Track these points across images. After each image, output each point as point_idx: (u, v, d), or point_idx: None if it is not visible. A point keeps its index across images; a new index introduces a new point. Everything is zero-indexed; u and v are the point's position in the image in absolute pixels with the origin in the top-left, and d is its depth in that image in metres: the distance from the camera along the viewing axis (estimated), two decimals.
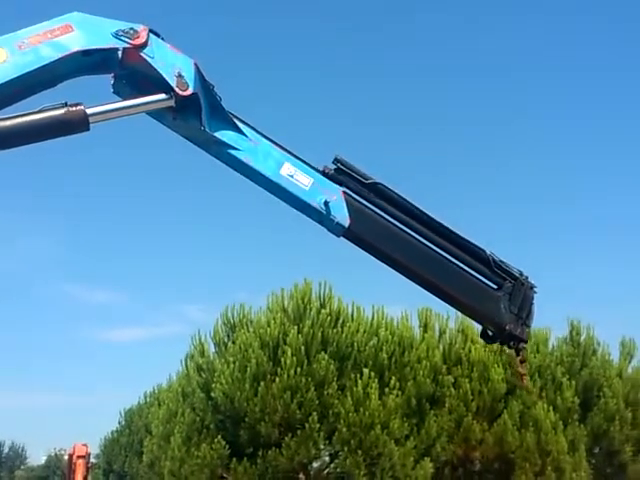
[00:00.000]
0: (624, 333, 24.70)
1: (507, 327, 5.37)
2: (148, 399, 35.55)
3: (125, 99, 4.30)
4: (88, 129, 4.03)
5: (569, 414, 20.96)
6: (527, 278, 5.50)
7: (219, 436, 18.97)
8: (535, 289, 5.53)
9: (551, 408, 20.39)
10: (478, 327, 5.88)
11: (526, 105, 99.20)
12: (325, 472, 19.65)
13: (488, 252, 5.32)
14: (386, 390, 18.79)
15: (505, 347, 5.62)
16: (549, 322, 23.08)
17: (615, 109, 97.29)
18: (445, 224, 5.16)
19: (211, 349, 21.02)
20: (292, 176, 4.63)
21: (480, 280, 5.23)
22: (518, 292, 5.43)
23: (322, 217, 4.71)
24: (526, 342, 5.58)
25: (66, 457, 40.09)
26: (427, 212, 5.09)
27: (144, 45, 4.13)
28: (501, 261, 5.37)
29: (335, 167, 4.89)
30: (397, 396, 18.80)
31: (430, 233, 5.08)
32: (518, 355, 5.60)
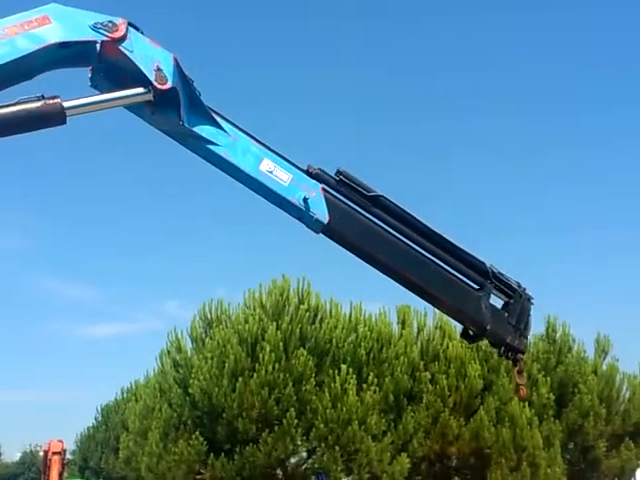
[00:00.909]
0: (599, 330, 25.04)
1: (507, 340, 5.44)
2: (125, 395, 35.37)
3: (103, 93, 4.25)
4: (65, 122, 3.97)
5: (544, 410, 21.19)
6: (525, 290, 5.56)
7: (196, 432, 18.92)
8: (532, 300, 5.61)
9: (527, 404, 20.58)
10: (456, 324, 5.92)
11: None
12: (302, 468, 19.68)
13: (488, 265, 5.37)
14: (364, 386, 18.85)
15: (484, 345, 5.68)
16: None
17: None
18: (447, 237, 5.20)
19: (188, 345, 20.97)
20: (271, 172, 4.60)
21: (461, 280, 5.25)
22: (517, 304, 5.50)
23: (301, 213, 4.69)
24: (524, 353, 5.64)
25: (41, 453, 39.77)
26: (429, 225, 5.13)
27: (123, 38, 4.07)
28: (500, 273, 5.41)
29: (338, 179, 4.86)
30: (375, 392, 18.87)
31: (431, 245, 5.11)
32: (516, 366, 5.66)
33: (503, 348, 5.54)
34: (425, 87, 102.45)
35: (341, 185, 4.84)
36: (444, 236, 5.18)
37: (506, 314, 5.48)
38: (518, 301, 5.50)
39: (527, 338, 5.62)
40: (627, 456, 23.38)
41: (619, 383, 24.13)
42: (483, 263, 5.34)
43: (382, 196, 4.96)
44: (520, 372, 5.70)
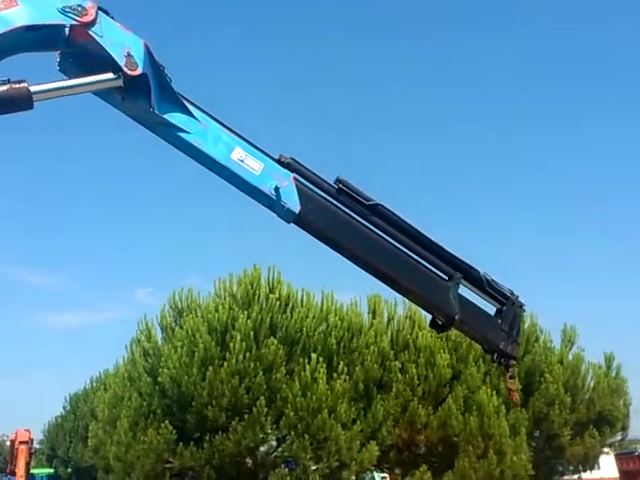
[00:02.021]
0: (565, 321, 25.42)
1: (501, 346, 5.56)
2: (94, 384, 35.10)
3: (71, 78, 4.17)
4: (32, 107, 3.90)
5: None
6: (517, 297, 5.68)
7: (166, 421, 18.84)
8: (524, 307, 5.74)
9: (494, 393, 20.84)
10: (426, 314, 5.96)
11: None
12: (272, 456, 19.72)
13: (482, 272, 5.46)
14: (334, 375, 18.93)
15: (454, 334, 5.76)
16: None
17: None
18: (443, 246, 5.27)
19: (158, 334, 20.87)
20: (242, 161, 4.57)
21: (430, 271, 5.29)
22: (509, 311, 5.63)
23: (272, 203, 4.67)
24: (516, 359, 5.78)
25: (8, 443, 39.37)
26: (426, 234, 5.20)
27: (92, 23, 4.00)
28: (493, 280, 5.52)
29: (337, 187, 4.90)
30: (345, 381, 18.96)
31: (427, 253, 5.19)
32: (508, 372, 5.78)
33: (496, 354, 5.67)
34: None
35: (340, 193, 4.88)
36: (441, 245, 5.26)
37: (499, 321, 5.60)
38: (511, 308, 5.63)
39: (519, 344, 5.77)
40: (591, 443, 23.80)
41: (584, 372, 24.53)
42: (477, 271, 5.45)
43: (381, 205, 5.01)
44: (512, 378, 5.86)
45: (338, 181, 4.91)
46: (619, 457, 32.05)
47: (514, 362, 5.77)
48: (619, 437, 26.89)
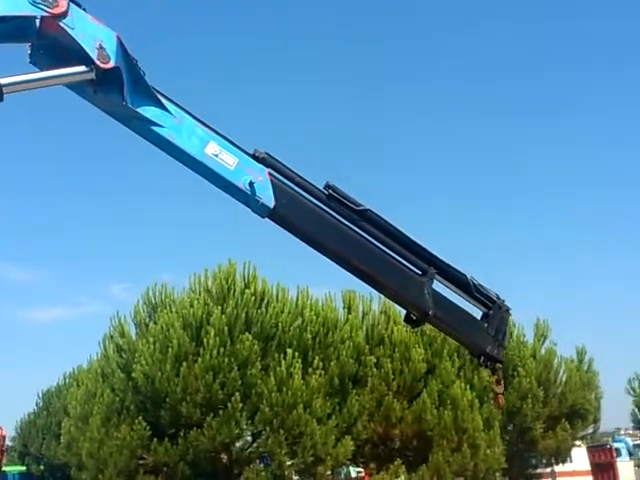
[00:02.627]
0: (538, 315, 25.66)
1: (487, 350, 5.63)
2: (67, 380, 34.74)
3: (43, 70, 4.11)
4: (1, 100, 3.84)
5: (485, 392, 21.63)
6: (504, 301, 5.74)
7: (139, 417, 18.73)
8: (510, 311, 5.81)
9: (468, 387, 21.02)
10: (401, 309, 5.97)
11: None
12: (247, 452, 19.70)
13: (469, 277, 5.51)
14: (309, 370, 18.94)
15: (428, 329, 5.80)
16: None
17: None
18: (431, 250, 5.31)
19: (132, 330, 20.72)
20: (217, 155, 4.53)
21: (404, 266, 5.29)
22: (496, 315, 5.68)
23: (247, 198, 4.64)
24: (502, 363, 5.83)
25: None
26: (414, 239, 5.23)
27: (63, 15, 3.93)
28: (480, 285, 5.58)
29: (327, 193, 4.91)
30: (320, 376, 18.98)
31: (414, 257, 5.22)
32: (494, 375, 5.85)
33: (483, 358, 5.73)
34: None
35: (330, 199, 4.89)
36: (428, 249, 5.31)
37: (485, 324, 5.66)
38: (497, 312, 5.70)
39: (505, 348, 5.83)
40: (563, 436, 24.13)
41: (556, 367, 24.84)
42: (465, 275, 5.50)
43: (370, 210, 5.03)
44: (498, 381, 5.90)
45: (328, 187, 4.92)
46: (591, 450, 32.46)
47: (500, 365, 5.84)
48: (591, 430, 27.33)
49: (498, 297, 5.70)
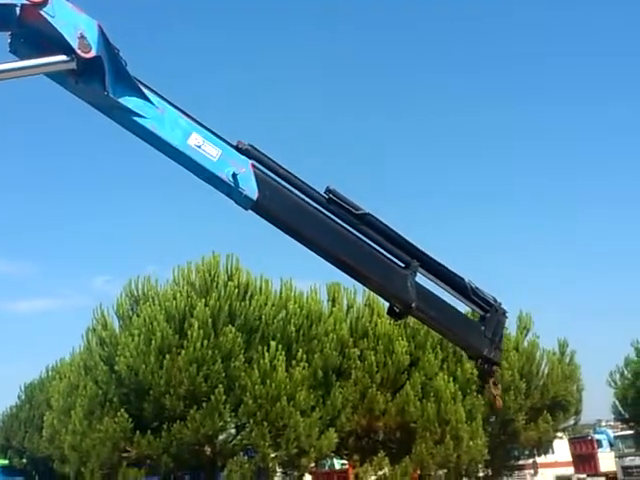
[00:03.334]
0: (521, 308, 25.79)
1: (484, 352, 5.68)
2: (50, 373, 34.51)
3: (23, 59, 4.05)
4: None
5: (468, 385, 21.78)
6: (500, 304, 5.82)
7: (122, 409, 18.68)
8: (507, 314, 5.89)
9: (451, 379, 21.13)
10: (385, 302, 5.97)
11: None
12: (231, 444, 19.70)
13: (467, 280, 5.57)
14: (293, 362, 18.95)
15: (412, 322, 5.83)
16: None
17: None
18: (429, 254, 5.36)
19: (115, 322, 20.63)
20: (200, 146, 4.49)
21: (387, 258, 5.30)
22: (493, 318, 5.76)
23: (230, 189, 4.60)
24: (499, 365, 5.94)
25: None
26: (414, 243, 5.28)
27: (44, 3, 3.87)
28: (477, 288, 5.65)
29: (328, 197, 4.93)
30: (304, 368, 19.00)
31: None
32: (491, 377, 5.88)
33: (480, 360, 5.79)
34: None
35: (331, 203, 4.92)
36: (427, 253, 5.36)
37: (483, 327, 5.73)
38: (494, 315, 5.78)
39: (502, 350, 5.91)
40: (544, 428, 24.32)
41: (539, 359, 25.01)
42: (462, 279, 5.56)
43: (370, 214, 5.07)
44: (495, 383, 5.95)
45: (328, 191, 4.94)
46: (572, 441, 32.75)
47: (497, 368, 5.91)
48: (572, 422, 27.56)
49: (495, 300, 5.79)
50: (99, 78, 4.13)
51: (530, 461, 27.62)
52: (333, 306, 21.68)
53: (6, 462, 41.14)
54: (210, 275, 19.37)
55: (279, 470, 21.24)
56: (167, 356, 18.06)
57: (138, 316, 19.30)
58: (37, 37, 4.06)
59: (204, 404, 17.93)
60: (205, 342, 18.01)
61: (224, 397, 17.99)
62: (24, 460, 39.58)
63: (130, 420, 18.55)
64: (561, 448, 30.53)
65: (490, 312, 5.75)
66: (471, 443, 21.10)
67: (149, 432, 18.49)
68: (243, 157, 4.68)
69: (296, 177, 4.90)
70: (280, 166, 4.83)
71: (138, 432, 18.53)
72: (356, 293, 22.20)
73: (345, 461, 25.11)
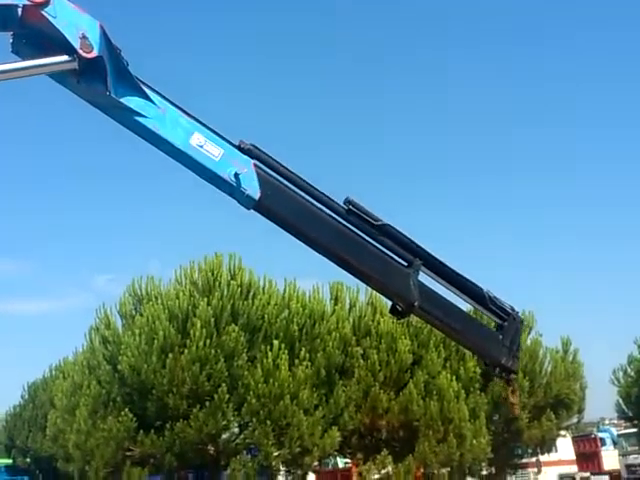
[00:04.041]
0: (523, 307, 25.73)
1: (502, 361, 5.72)
2: (53, 372, 34.58)
3: (25, 59, 4.06)
4: None
5: (471, 383, 21.77)
6: (517, 313, 5.88)
7: (126, 409, 18.71)
8: (524, 323, 5.85)
9: (454, 378, 21.11)
10: (388, 301, 5.97)
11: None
12: (234, 443, 19.71)
13: (485, 289, 5.63)
14: (296, 361, 18.96)
15: (415, 321, 5.85)
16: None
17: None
18: (447, 264, 5.42)
19: (118, 322, 20.66)
20: (202, 146, 4.49)
21: (390, 257, 5.29)
22: (510, 327, 5.79)
23: (232, 189, 4.61)
24: (517, 373, 5.97)
25: None
26: (431, 252, 5.32)
27: (45, 3, 3.88)
28: (495, 297, 5.70)
29: (347, 208, 4.98)
30: (307, 367, 19.01)
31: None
32: (509, 385, 5.94)
33: (498, 369, 5.83)
34: None
35: (350, 214, 4.97)
36: (445, 263, 5.41)
37: (500, 336, 5.77)
38: (512, 324, 5.81)
39: (519, 359, 5.92)
40: (548, 426, 24.28)
41: (542, 357, 24.97)
42: (480, 288, 5.61)
43: (389, 225, 5.11)
44: (513, 391, 6.02)
45: (348, 202, 4.99)
46: (576, 439, 32.70)
47: (515, 376, 5.96)
48: (575, 420, 27.53)
49: (512, 309, 5.83)
50: (101, 78, 4.14)
51: (533, 459, 27.55)
52: (336, 305, 21.68)
53: (10, 461, 41.24)
54: (213, 274, 19.39)
55: (282, 469, 21.25)
56: (170, 355, 18.08)
57: (141, 315, 19.33)
58: (39, 37, 4.07)
59: (207, 403, 17.96)
60: (208, 341, 18.03)
61: (227, 396, 18.01)
62: (28, 459, 39.67)
63: (133, 419, 18.58)
64: (564, 446, 30.45)
65: (508, 321, 5.80)
66: (474, 441, 21.08)
67: (152, 431, 18.53)
68: (245, 157, 4.68)
69: (298, 176, 4.89)
70: (282, 165, 4.83)
71: (141, 431, 18.56)
72: (359, 292, 22.22)
73: (348, 459, 25.12)
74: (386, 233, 5.11)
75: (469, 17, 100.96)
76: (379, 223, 5.06)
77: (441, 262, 5.39)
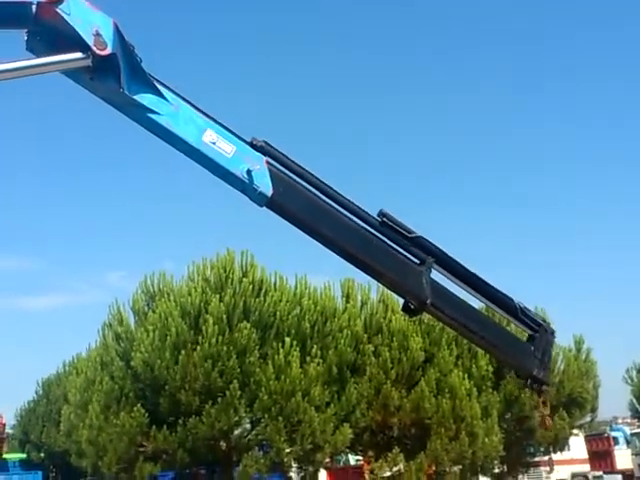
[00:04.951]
0: (536, 305, 25.60)
1: (534, 372, 5.73)
2: (67, 368, 34.80)
3: (39, 56, 4.08)
4: None
5: (483, 381, 21.71)
6: (549, 324, 5.93)
7: (138, 404, 18.80)
8: (555, 334, 5.95)
9: (466, 376, 21.06)
10: (399, 298, 5.96)
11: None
12: (246, 439, 19.76)
13: (516, 301, 5.66)
14: (308, 358, 18.98)
15: (426, 318, 5.85)
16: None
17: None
18: (477, 274, 5.46)
19: (130, 318, 20.75)
20: (214, 143, 4.49)
21: (402, 255, 5.28)
22: (542, 338, 5.81)
23: (245, 186, 4.60)
24: (549, 385, 5.96)
25: None
26: (464, 264, 5.36)
27: (60, 1, 3.90)
28: (526, 309, 5.72)
29: (381, 220, 5.02)
30: (318, 364, 19.02)
31: (459, 281, 5.38)
32: (540, 397, 5.94)
33: (529, 380, 5.83)
34: None
35: (383, 226, 5.03)
36: (475, 273, 5.45)
37: (532, 348, 5.78)
38: (544, 335, 5.83)
39: (550, 370, 6.03)
40: (560, 425, 24.17)
41: (555, 356, 24.83)
42: (512, 300, 5.64)
43: (422, 237, 5.16)
44: (544, 403, 6.00)
45: (382, 214, 5.04)
46: (588, 438, 32.58)
47: (547, 388, 5.94)
48: (588, 419, 27.39)
49: (544, 320, 5.91)
50: (114, 75, 4.15)
51: (546, 458, 27.43)
52: (347, 302, 21.67)
53: (24, 456, 41.56)
54: (225, 271, 19.43)
55: (294, 465, 21.29)
56: (182, 352, 18.15)
57: (154, 312, 19.40)
58: (53, 35, 4.08)
59: (219, 399, 18.01)
60: (220, 338, 18.08)
61: (239, 392, 18.05)
62: (42, 454, 39.98)
63: (146, 415, 18.67)
64: (577, 445, 30.36)
65: (539, 332, 5.81)
66: (486, 440, 21.03)
67: (165, 427, 18.61)
68: (258, 154, 4.68)
69: (311, 174, 4.88)
70: (295, 163, 4.83)
71: (154, 427, 18.64)
72: (370, 289, 22.19)
73: (360, 457, 25.13)
74: (419, 245, 5.16)
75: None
76: (412, 235, 5.12)
77: (473, 273, 5.43)
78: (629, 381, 31.62)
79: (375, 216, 5.06)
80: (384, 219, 5.02)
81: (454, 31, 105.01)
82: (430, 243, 5.21)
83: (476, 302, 5.62)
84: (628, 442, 33.37)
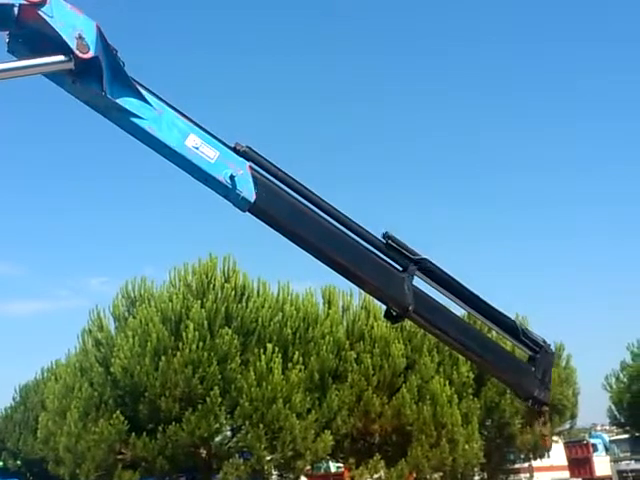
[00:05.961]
0: (516, 312, 25.74)
1: (535, 393, 5.82)
2: (45, 374, 34.43)
3: (21, 59, 4.06)
4: None
5: (464, 388, 21.78)
6: (549, 345, 6.00)
7: (118, 411, 18.63)
8: (555, 355, 6.15)
9: (447, 382, 21.12)
10: (381, 304, 5.97)
11: None
12: (227, 446, 19.65)
13: (517, 322, 5.79)
14: (289, 365, 18.93)
15: (408, 325, 5.87)
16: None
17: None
18: (485, 299, 5.53)
19: (111, 324, 20.59)
20: (197, 148, 4.50)
21: (385, 261, 5.28)
22: (542, 359, 5.89)
23: (227, 191, 4.61)
24: (549, 405, 6.01)
25: None
26: (469, 288, 5.42)
27: (42, 3, 3.88)
28: (527, 330, 5.83)
29: (386, 242, 5.08)
30: (300, 371, 18.98)
31: (465, 305, 5.47)
32: (541, 417, 6.00)
33: (530, 401, 5.91)
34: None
35: (389, 249, 5.09)
36: (481, 297, 5.54)
37: (533, 368, 5.87)
38: (544, 356, 5.92)
39: (550, 390, 6.00)
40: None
41: None
42: (513, 321, 5.76)
43: (427, 259, 5.22)
44: (545, 423, 6.08)
45: (387, 237, 5.11)
46: (568, 445, 32.80)
47: (547, 408, 6.00)
48: (568, 426, 27.60)
49: (544, 341, 5.93)
50: (97, 78, 4.14)
51: (526, 465, 27.60)
52: (329, 309, 21.66)
53: (0, 464, 41.01)
54: (207, 277, 19.35)
55: (275, 473, 21.18)
56: (163, 358, 18.02)
57: (134, 317, 19.27)
58: (35, 37, 4.07)
59: (200, 406, 17.90)
60: (201, 344, 17.99)
61: (220, 399, 17.96)
62: (18, 462, 39.43)
63: (125, 422, 18.50)
64: (557, 452, 30.52)
65: (540, 353, 5.89)
66: (467, 446, 21.09)
67: (144, 434, 18.45)
68: (241, 159, 4.69)
69: (294, 179, 4.89)
70: (278, 168, 4.84)
71: (133, 434, 18.48)
72: (352, 296, 22.22)
73: (341, 464, 25.07)
74: (424, 268, 5.22)
75: None
76: (417, 257, 5.18)
77: (479, 297, 5.50)
78: (608, 388, 31.87)
79: (354, 221, 5.04)
80: (389, 242, 5.12)
81: (452, 32, 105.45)
82: (435, 265, 5.29)
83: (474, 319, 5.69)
84: (607, 449, 33.66)
